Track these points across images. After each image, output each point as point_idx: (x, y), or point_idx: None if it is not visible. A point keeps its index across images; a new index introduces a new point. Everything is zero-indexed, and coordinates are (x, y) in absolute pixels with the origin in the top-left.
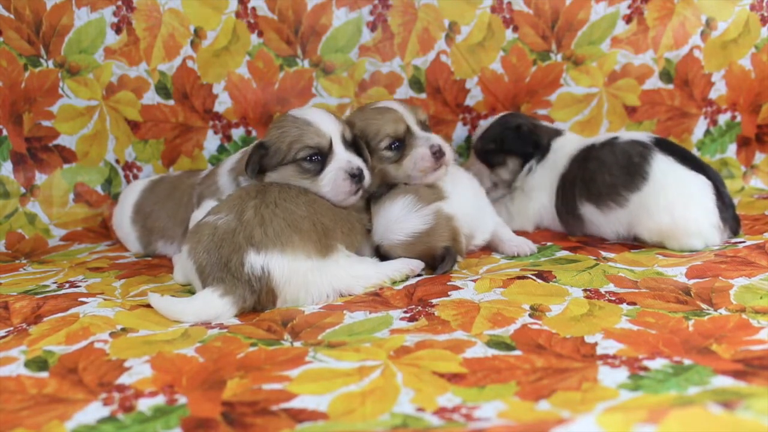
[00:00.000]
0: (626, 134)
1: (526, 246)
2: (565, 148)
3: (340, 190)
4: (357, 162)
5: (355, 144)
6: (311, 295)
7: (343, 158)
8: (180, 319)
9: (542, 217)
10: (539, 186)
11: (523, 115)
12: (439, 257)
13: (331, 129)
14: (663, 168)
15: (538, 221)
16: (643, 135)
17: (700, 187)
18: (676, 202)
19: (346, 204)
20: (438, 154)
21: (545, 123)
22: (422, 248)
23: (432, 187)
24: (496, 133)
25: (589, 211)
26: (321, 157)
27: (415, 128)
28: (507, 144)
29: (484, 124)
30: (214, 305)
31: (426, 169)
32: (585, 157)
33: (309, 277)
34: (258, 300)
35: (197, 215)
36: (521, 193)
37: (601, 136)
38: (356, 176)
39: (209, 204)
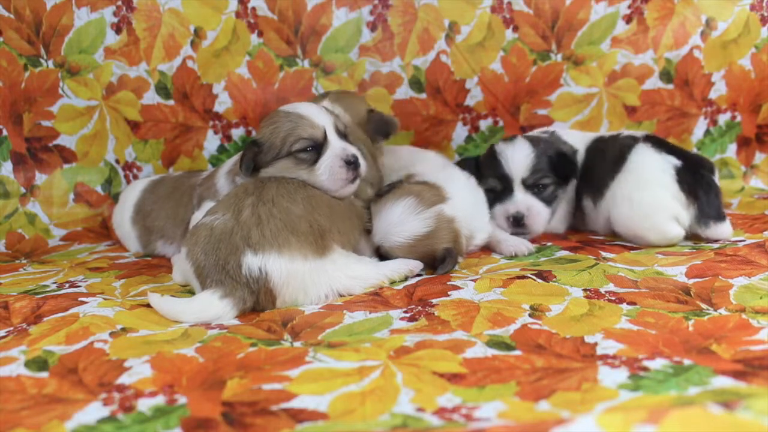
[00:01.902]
0: (628, 131)
1: (524, 246)
2: (582, 141)
3: (337, 178)
4: (352, 149)
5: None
6: (310, 297)
7: (338, 146)
8: (180, 320)
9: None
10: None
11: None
12: (440, 258)
13: (324, 120)
14: (638, 156)
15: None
16: (639, 132)
17: (660, 167)
18: (634, 188)
19: (344, 193)
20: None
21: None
22: (423, 250)
23: (433, 188)
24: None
25: (588, 205)
26: (316, 148)
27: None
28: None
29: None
30: (214, 307)
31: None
32: (594, 148)
33: (307, 278)
34: (257, 300)
35: (198, 216)
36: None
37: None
38: (352, 163)
39: (208, 205)
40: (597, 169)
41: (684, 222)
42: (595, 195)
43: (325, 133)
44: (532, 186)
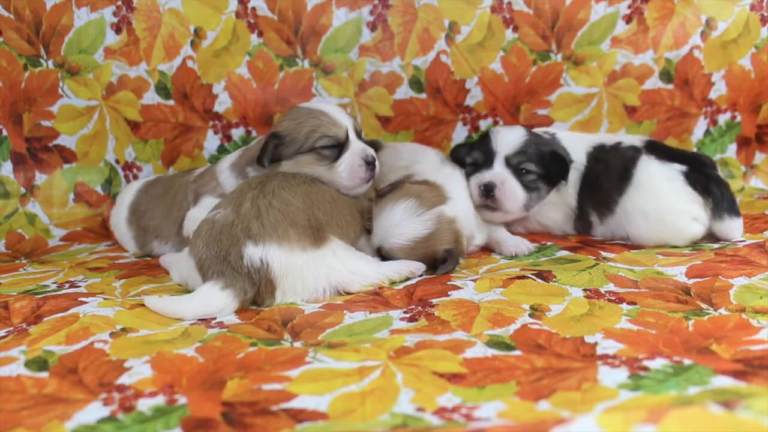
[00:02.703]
0: (627, 138)
1: (524, 245)
2: (579, 144)
3: (355, 176)
4: (371, 150)
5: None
6: (308, 288)
7: (358, 146)
8: (182, 316)
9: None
10: (571, 184)
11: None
12: (441, 259)
13: (346, 120)
14: (644, 169)
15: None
16: (636, 139)
17: (667, 175)
18: (647, 202)
19: (358, 192)
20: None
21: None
22: (423, 252)
23: (434, 188)
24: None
25: (594, 220)
26: (338, 146)
27: (353, 135)
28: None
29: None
30: (215, 299)
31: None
32: (596, 157)
33: (305, 270)
34: (258, 291)
35: (194, 212)
36: (558, 199)
37: (606, 136)
38: (371, 163)
39: (208, 200)
40: (601, 181)
41: (705, 221)
42: (602, 210)
43: (347, 132)
44: (515, 166)
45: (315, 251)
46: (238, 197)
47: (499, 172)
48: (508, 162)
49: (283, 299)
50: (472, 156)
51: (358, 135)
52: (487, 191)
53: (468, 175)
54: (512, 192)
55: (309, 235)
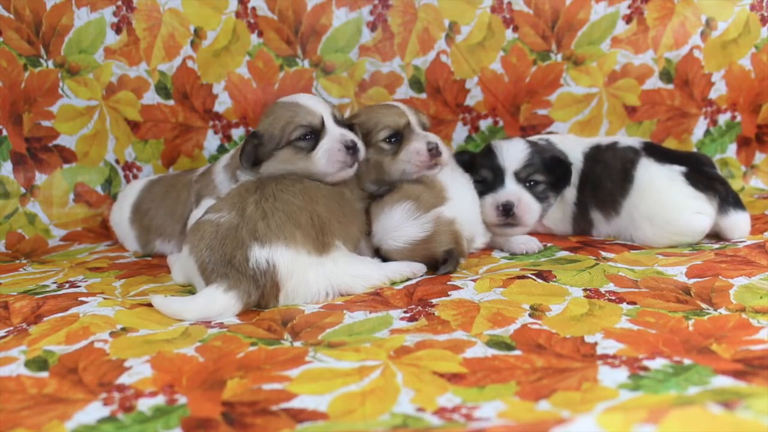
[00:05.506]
0: (624, 140)
1: (534, 243)
2: (574, 146)
3: (335, 160)
4: (351, 135)
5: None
6: (311, 292)
7: (336, 132)
8: (185, 318)
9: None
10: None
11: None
12: (441, 260)
13: (321, 108)
14: (644, 172)
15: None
16: (633, 140)
17: (668, 176)
18: (650, 205)
19: (341, 177)
20: (434, 152)
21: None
22: (423, 254)
23: (433, 189)
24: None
25: (597, 218)
26: (314, 135)
27: (416, 125)
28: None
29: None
30: (218, 301)
31: (421, 164)
32: (593, 157)
33: (309, 273)
34: (262, 294)
35: (196, 213)
36: (558, 198)
37: (600, 138)
38: (351, 147)
39: (207, 202)
40: (603, 181)
41: (710, 213)
42: (607, 210)
43: (322, 120)
44: (524, 180)
45: (318, 258)
46: (240, 202)
47: (513, 190)
48: (518, 177)
49: (286, 302)
50: (480, 174)
51: (338, 121)
52: (507, 210)
53: (480, 194)
54: (529, 206)
55: (313, 239)
